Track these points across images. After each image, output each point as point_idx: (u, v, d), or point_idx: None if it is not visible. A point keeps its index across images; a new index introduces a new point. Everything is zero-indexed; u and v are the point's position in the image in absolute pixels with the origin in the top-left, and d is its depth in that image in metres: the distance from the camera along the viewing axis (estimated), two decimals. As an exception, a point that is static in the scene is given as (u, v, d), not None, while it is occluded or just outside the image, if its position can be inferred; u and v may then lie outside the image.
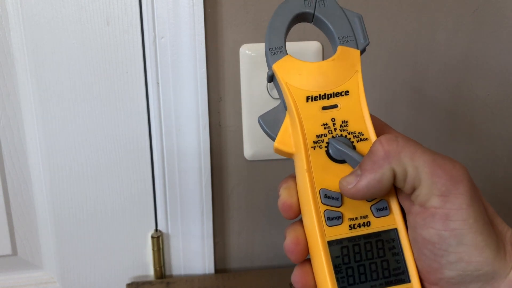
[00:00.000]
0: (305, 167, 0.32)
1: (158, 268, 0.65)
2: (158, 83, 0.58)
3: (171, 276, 0.67)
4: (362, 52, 0.34)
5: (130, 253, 0.65)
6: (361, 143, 0.33)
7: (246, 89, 0.59)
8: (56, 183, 0.61)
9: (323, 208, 0.31)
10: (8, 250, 0.64)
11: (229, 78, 0.60)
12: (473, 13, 0.61)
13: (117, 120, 0.59)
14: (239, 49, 0.59)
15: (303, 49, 0.59)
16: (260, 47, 0.58)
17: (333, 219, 0.31)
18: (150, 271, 0.66)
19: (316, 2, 0.35)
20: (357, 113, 0.33)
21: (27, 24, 0.55)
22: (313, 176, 0.32)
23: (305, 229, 0.33)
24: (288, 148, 0.34)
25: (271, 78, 0.35)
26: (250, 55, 0.58)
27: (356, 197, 0.30)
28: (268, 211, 0.66)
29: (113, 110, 0.59)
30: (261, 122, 0.35)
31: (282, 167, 0.64)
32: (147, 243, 0.65)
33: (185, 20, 0.56)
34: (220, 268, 0.68)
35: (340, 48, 0.34)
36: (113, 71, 0.58)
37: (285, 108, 0.34)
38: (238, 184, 0.64)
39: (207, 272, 0.66)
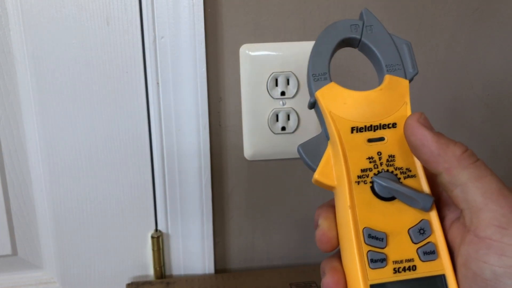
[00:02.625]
0: (348, 203, 0.30)
1: (158, 268, 0.65)
2: (158, 83, 0.58)
3: (171, 276, 0.67)
4: (409, 81, 0.33)
5: (130, 253, 0.65)
6: (408, 180, 0.31)
7: (246, 89, 0.59)
8: (56, 183, 0.61)
9: (366, 248, 0.30)
10: (8, 250, 0.64)
11: (229, 78, 0.60)
12: (473, 13, 0.61)
13: (117, 120, 0.59)
14: (239, 49, 0.58)
15: (304, 50, 0.58)
16: (260, 47, 0.58)
17: (377, 261, 0.29)
18: (150, 271, 0.66)
19: (363, 27, 0.33)
20: (405, 148, 0.32)
21: (27, 24, 0.55)
22: (356, 214, 0.30)
23: (345, 268, 0.31)
24: (330, 181, 0.32)
25: (313, 105, 0.33)
26: (250, 55, 0.58)
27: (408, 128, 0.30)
28: (268, 211, 0.66)
29: (113, 110, 0.59)
30: (301, 151, 0.33)
31: (282, 167, 0.64)
32: (147, 243, 0.65)
33: (185, 20, 0.56)
34: (220, 268, 0.68)
35: (388, 77, 0.33)
36: (113, 71, 0.58)
37: (327, 138, 0.33)
38: (238, 184, 0.64)
39: (207, 272, 0.66)
